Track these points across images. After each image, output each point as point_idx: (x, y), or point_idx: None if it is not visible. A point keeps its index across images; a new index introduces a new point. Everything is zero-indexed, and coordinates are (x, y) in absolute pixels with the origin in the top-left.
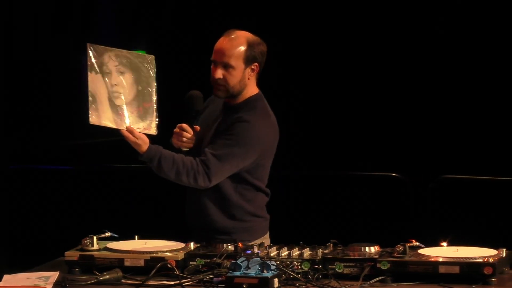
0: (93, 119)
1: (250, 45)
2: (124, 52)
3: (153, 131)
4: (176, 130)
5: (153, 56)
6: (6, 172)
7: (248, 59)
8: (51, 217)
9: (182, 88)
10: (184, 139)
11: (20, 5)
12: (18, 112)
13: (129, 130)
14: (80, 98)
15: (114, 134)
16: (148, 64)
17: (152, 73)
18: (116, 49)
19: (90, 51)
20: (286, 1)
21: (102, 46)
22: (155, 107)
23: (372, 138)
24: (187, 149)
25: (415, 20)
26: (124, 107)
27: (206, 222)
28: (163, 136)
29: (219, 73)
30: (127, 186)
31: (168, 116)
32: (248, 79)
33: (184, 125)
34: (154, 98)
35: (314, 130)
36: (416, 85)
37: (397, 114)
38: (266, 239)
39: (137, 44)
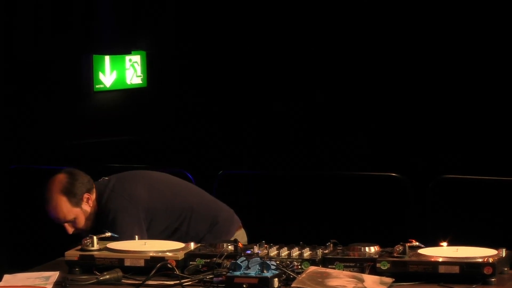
0: None
1: (67, 195)
2: None
3: None
4: None
5: None
6: (6, 172)
7: (76, 203)
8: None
9: (182, 87)
10: None
11: (20, 5)
12: (18, 112)
13: None
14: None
15: (114, 134)
16: None
17: None
18: None
19: None
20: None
21: None
22: None
23: (372, 139)
24: None
25: (417, 20)
26: None
27: None
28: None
29: (70, 230)
30: None
31: (168, 115)
32: (88, 207)
33: None
34: None
35: (315, 130)
36: (416, 86)
37: (397, 114)
38: None
39: (137, 44)
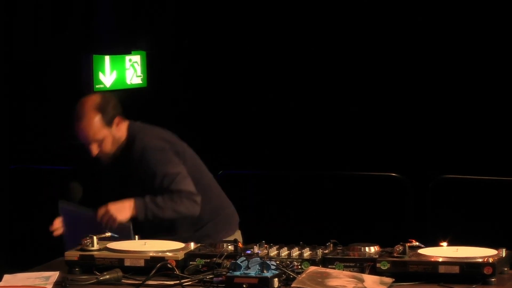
0: None
1: (101, 112)
2: None
3: None
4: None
5: None
6: (6, 172)
7: (108, 123)
8: (51, 217)
9: (182, 87)
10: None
11: (20, 5)
12: (18, 112)
13: None
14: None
15: None
16: None
17: None
18: None
19: None
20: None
21: None
22: None
23: (372, 138)
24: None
25: (417, 20)
26: None
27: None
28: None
29: (95, 151)
30: None
31: (168, 115)
32: (117, 131)
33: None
34: None
35: (315, 130)
36: (416, 86)
37: (397, 114)
38: None
39: (137, 44)
